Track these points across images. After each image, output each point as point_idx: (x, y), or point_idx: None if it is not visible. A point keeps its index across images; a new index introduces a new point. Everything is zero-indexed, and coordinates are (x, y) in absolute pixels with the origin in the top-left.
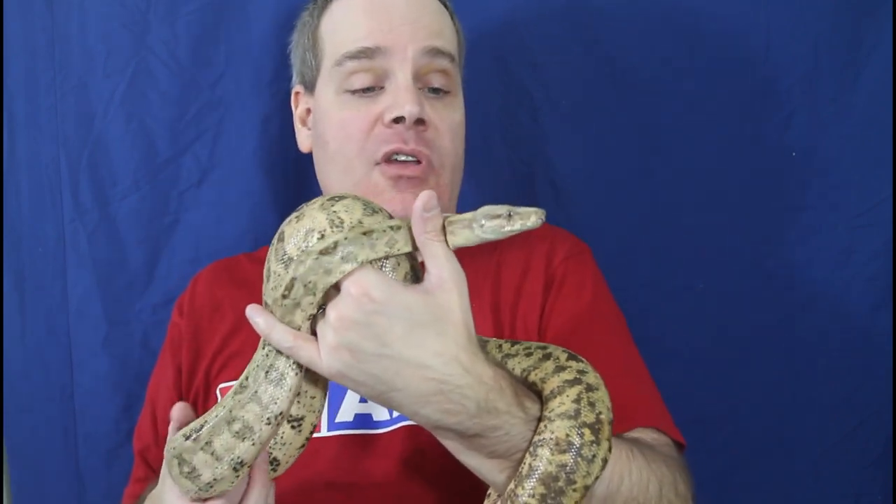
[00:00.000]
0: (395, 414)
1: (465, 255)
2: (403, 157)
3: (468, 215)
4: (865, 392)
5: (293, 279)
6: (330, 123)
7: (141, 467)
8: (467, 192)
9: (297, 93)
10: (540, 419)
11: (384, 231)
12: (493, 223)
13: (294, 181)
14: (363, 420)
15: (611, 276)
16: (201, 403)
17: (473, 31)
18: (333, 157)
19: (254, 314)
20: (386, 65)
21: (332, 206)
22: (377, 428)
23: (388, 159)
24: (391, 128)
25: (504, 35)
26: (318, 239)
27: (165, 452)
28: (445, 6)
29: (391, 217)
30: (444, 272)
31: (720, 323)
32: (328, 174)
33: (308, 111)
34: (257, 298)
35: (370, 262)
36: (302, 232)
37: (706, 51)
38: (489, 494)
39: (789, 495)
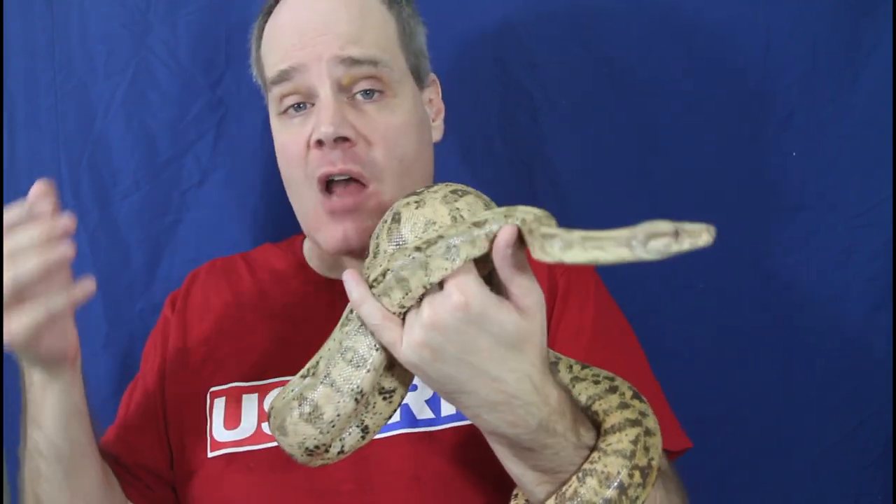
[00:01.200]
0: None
1: None
2: (339, 177)
3: (625, 232)
4: (865, 392)
5: (387, 270)
6: (277, 147)
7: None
8: None
9: None
10: (594, 448)
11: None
12: (658, 243)
13: None
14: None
15: (611, 276)
16: (180, 403)
17: (473, 32)
18: (287, 182)
19: (350, 283)
20: (307, 82)
21: (456, 201)
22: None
23: (326, 184)
24: (319, 149)
25: (503, 35)
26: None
27: (273, 404)
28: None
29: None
30: (529, 300)
31: (720, 323)
32: (290, 196)
33: None
34: (249, 306)
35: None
36: (422, 221)
37: (705, 51)
38: (516, 495)
39: (789, 495)
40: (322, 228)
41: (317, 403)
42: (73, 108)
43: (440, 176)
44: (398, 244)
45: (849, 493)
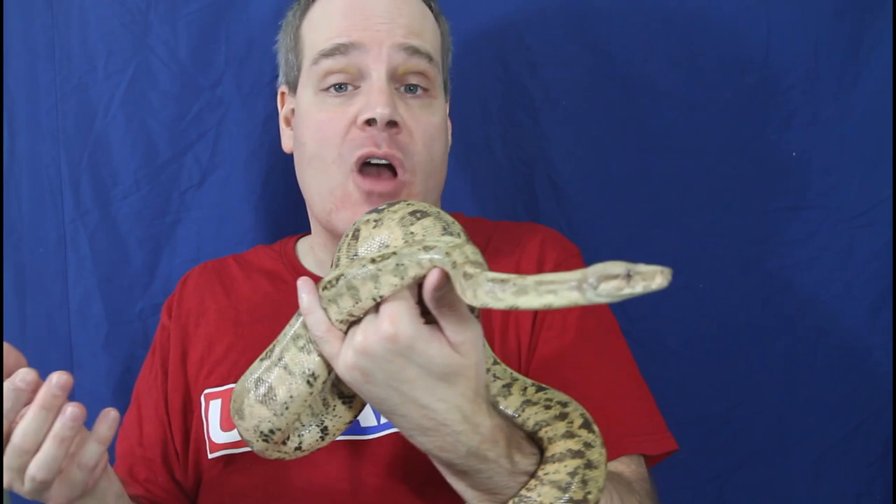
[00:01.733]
0: (383, 420)
1: None
2: (376, 161)
3: (577, 274)
4: (865, 392)
5: (341, 276)
6: (308, 124)
7: (120, 469)
8: (468, 192)
9: (282, 93)
10: (533, 475)
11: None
12: (609, 286)
13: (294, 181)
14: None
15: None
16: (186, 408)
17: (473, 32)
18: (311, 160)
19: (302, 290)
20: (361, 63)
21: (413, 224)
22: (365, 434)
23: (363, 165)
24: (364, 130)
25: (504, 35)
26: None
27: (235, 388)
28: (430, 7)
29: (464, 235)
30: (461, 337)
31: (720, 323)
32: (306, 176)
33: (292, 111)
34: (242, 307)
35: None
36: (376, 243)
37: (706, 51)
38: None
39: (789, 495)
40: (347, 208)
41: (271, 385)
42: (73, 108)
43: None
44: (351, 259)
45: (849, 493)
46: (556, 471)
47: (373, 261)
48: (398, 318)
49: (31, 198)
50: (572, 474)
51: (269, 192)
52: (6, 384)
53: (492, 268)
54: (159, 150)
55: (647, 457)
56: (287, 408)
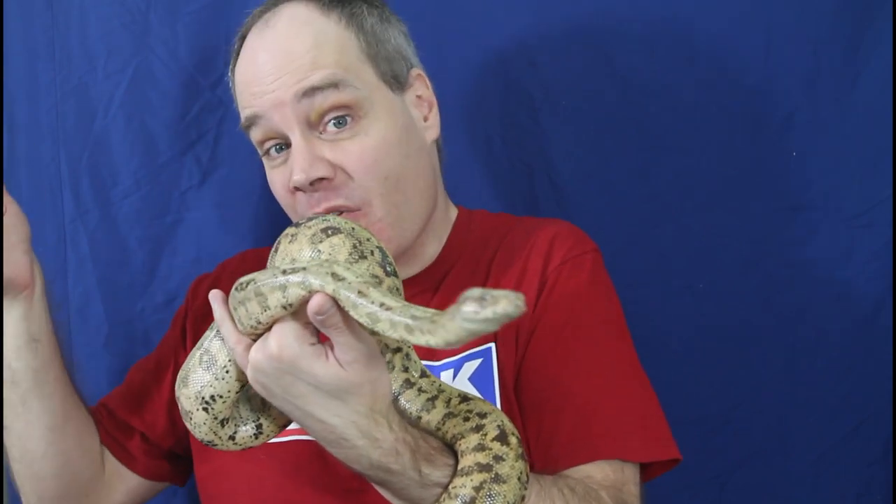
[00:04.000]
0: None
1: (457, 255)
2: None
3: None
4: (865, 392)
5: (251, 280)
6: (269, 181)
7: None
8: (468, 192)
9: None
10: (445, 487)
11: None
12: (468, 308)
13: None
14: None
15: (611, 276)
16: None
17: (474, 32)
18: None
19: (213, 301)
20: (274, 127)
21: (321, 241)
22: None
23: None
24: (303, 192)
25: (504, 36)
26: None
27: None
28: (330, 15)
29: (383, 261)
30: (349, 356)
31: (720, 323)
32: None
33: None
34: None
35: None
36: (288, 259)
37: (706, 51)
38: None
39: (789, 495)
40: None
41: (212, 352)
42: (73, 108)
43: (446, 174)
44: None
45: (849, 493)
46: (463, 484)
47: (284, 272)
48: (283, 337)
49: (31, 198)
50: (478, 488)
51: (269, 192)
52: None
53: (496, 262)
54: (159, 150)
55: (645, 465)
56: (227, 372)
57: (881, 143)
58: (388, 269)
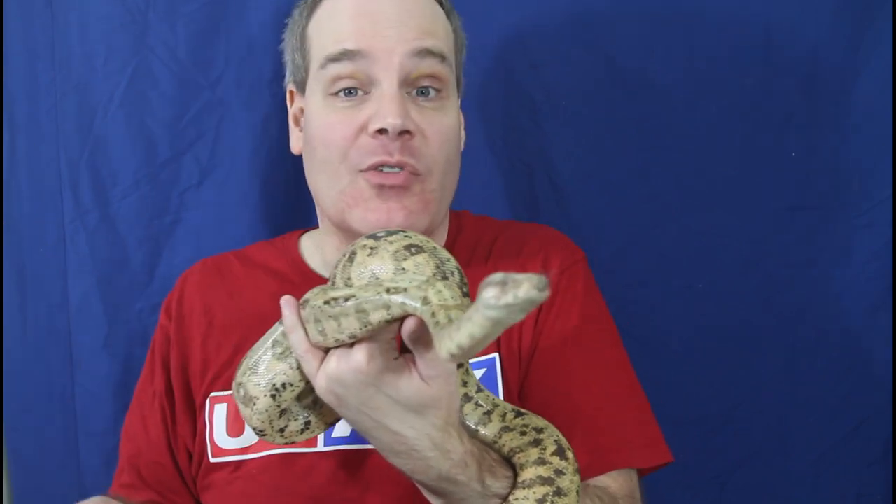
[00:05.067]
0: None
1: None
2: (386, 168)
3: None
4: (865, 392)
5: (351, 296)
6: (317, 128)
7: (128, 473)
8: (468, 192)
9: (291, 91)
10: (505, 498)
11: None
12: (489, 294)
13: (294, 181)
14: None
15: (611, 276)
16: (191, 408)
17: (474, 32)
18: (321, 163)
19: (285, 308)
20: (370, 70)
21: (406, 259)
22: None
23: (373, 168)
24: (376, 138)
25: (505, 36)
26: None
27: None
28: (441, 4)
29: (461, 282)
30: (433, 371)
31: (720, 323)
32: (316, 179)
33: (301, 111)
34: (246, 308)
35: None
36: (368, 273)
37: (706, 51)
38: None
39: (789, 495)
40: (361, 206)
41: (285, 344)
42: (73, 108)
43: None
44: (346, 284)
45: (849, 493)
46: (525, 497)
47: (352, 297)
48: (369, 351)
49: (31, 198)
50: (541, 500)
51: (269, 192)
52: None
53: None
54: (159, 149)
55: (639, 469)
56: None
57: (881, 143)
58: (464, 290)
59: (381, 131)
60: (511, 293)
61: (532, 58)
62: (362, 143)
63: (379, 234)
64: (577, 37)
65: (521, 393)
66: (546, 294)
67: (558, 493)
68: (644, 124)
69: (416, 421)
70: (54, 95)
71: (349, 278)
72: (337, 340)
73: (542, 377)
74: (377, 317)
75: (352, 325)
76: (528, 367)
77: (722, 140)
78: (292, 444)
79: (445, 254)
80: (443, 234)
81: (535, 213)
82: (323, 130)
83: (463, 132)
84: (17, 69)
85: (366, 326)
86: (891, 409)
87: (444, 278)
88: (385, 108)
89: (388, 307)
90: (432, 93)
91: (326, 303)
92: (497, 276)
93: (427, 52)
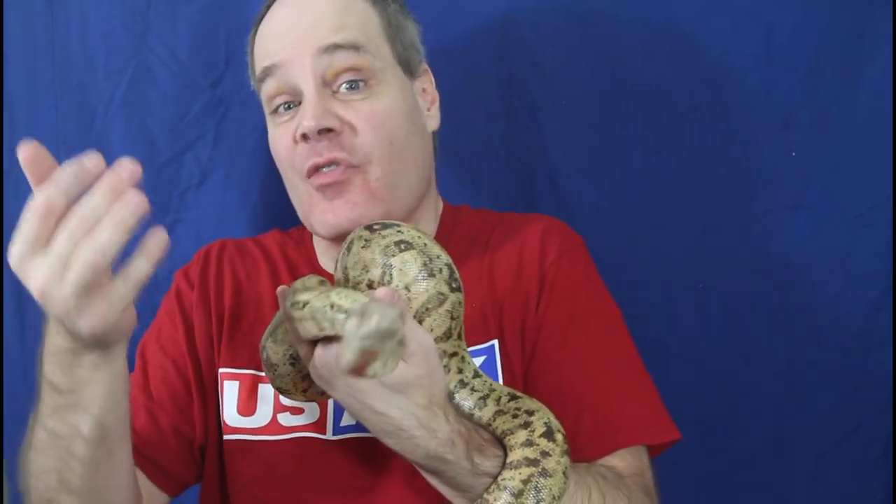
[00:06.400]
0: None
1: (457, 257)
2: (325, 168)
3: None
4: (865, 392)
5: (306, 304)
6: (271, 145)
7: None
8: (468, 191)
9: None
10: (495, 478)
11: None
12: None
13: None
14: None
15: (611, 275)
16: (208, 376)
17: (475, 31)
18: (283, 177)
19: (279, 298)
20: (292, 81)
21: (394, 255)
22: None
23: (313, 172)
24: (305, 144)
25: (505, 34)
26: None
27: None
28: None
29: (449, 278)
30: (410, 348)
31: (720, 323)
32: (289, 192)
33: None
34: (263, 291)
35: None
36: (360, 265)
37: (706, 50)
38: None
39: (789, 495)
40: (315, 210)
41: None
42: (73, 108)
43: (443, 173)
44: (343, 273)
45: (849, 493)
46: (511, 477)
47: (333, 306)
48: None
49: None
50: (526, 481)
51: (269, 192)
52: (69, 166)
53: (494, 262)
54: (159, 150)
55: (649, 447)
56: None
57: (881, 143)
58: (454, 285)
59: (304, 136)
60: (365, 324)
61: (532, 57)
62: (298, 150)
63: (375, 227)
64: (578, 35)
65: (527, 379)
66: (397, 326)
67: (543, 473)
68: (644, 124)
69: (401, 400)
70: (54, 95)
71: (346, 267)
72: (314, 335)
73: (547, 363)
74: (327, 326)
75: (312, 329)
76: (532, 352)
77: (722, 140)
78: (314, 401)
79: (436, 250)
80: (429, 222)
81: (534, 213)
82: (273, 146)
83: (434, 110)
84: (17, 69)
85: (322, 331)
86: (890, 409)
87: (432, 275)
88: (300, 113)
89: (332, 323)
90: (360, 84)
91: (293, 305)
92: (358, 306)
93: (335, 47)
